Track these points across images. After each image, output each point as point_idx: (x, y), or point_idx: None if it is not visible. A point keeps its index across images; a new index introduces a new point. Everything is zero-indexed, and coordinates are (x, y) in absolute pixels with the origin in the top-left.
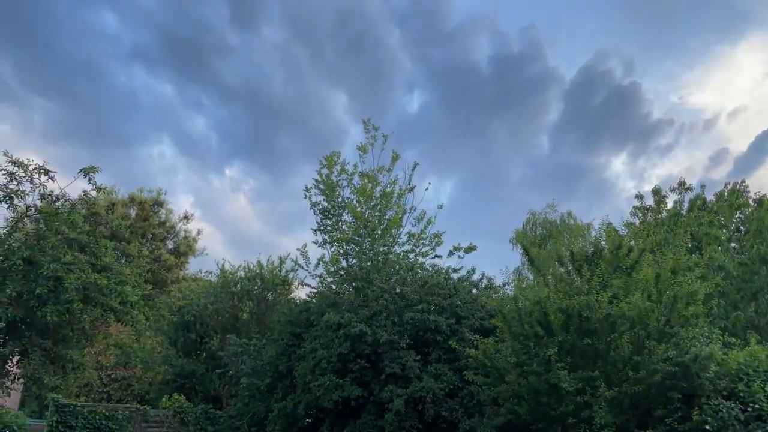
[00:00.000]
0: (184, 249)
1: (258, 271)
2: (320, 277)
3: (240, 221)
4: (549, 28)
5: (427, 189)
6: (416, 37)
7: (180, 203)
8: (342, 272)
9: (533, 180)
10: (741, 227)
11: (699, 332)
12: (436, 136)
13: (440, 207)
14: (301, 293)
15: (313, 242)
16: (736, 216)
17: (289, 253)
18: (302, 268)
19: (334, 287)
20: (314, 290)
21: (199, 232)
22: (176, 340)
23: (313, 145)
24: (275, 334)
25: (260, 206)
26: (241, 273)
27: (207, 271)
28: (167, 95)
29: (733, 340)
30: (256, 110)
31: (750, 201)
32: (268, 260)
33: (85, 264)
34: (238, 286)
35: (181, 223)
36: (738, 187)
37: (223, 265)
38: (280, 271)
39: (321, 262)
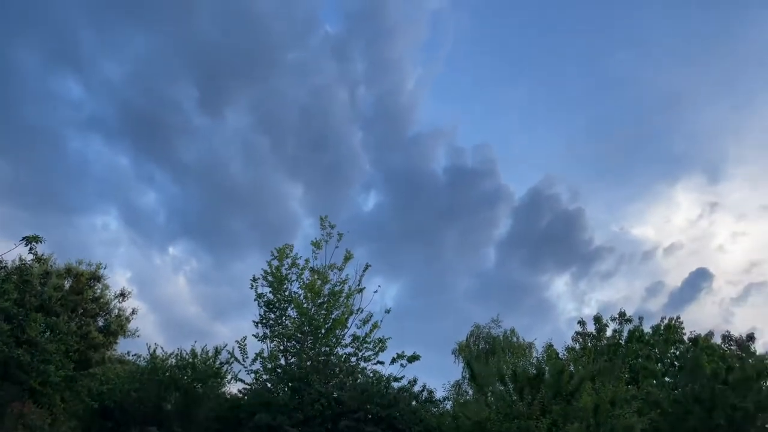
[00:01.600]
0: (115, 328)
1: (190, 359)
2: (256, 373)
3: (177, 303)
4: (503, 147)
5: (376, 291)
6: (377, 140)
7: (117, 278)
8: (279, 370)
9: (479, 292)
10: (675, 362)
11: None
12: (387, 238)
13: (388, 311)
14: (233, 388)
15: (254, 335)
16: (671, 351)
17: (226, 344)
18: (238, 361)
19: (269, 385)
20: (248, 386)
21: (134, 312)
22: (91, 427)
23: (263, 233)
24: (200, 430)
25: (200, 289)
26: (173, 360)
27: (136, 354)
28: (121, 166)
29: None
30: (210, 191)
31: (685, 338)
32: (202, 349)
33: (8, 336)
34: (167, 374)
35: (117, 301)
36: (673, 322)
37: (154, 350)
38: (213, 362)
39: (259, 357)
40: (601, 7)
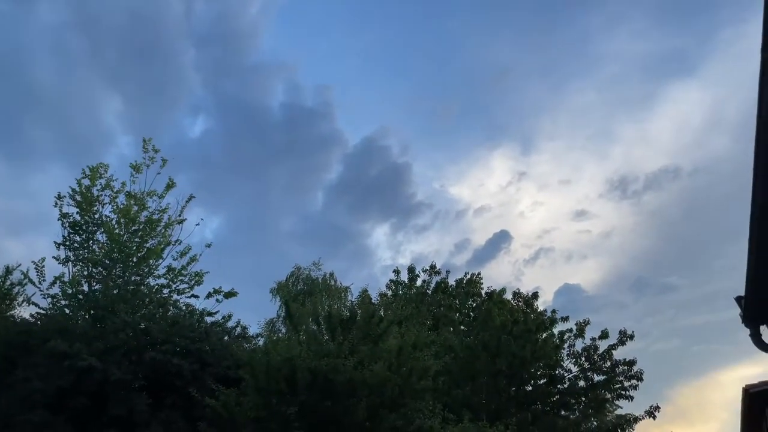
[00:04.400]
0: None
1: None
2: (53, 297)
3: None
4: (342, 92)
5: (198, 224)
6: (212, 62)
7: None
8: (81, 297)
9: (303, 233)
10: (471, 313)
11: (425, 405)
12: (214, 168)
13: (208, 246)
14: (25, 312)
15: (54, 257)
16: (469, 303)
17: (19, 264)
18: (33, 284)
19: (68, 312)
20: (43, 311)
21: None
22: None
23: (71, 145)
24: None
25: None
26: None
27: None
28: None
29: (451, 416)
30: (9, 90)
31: (483, 292)
32: None
33: None
34: None
35: None
36: (474, 277)
37: None
38: (3, 282)
39: (59, 281)
40: None
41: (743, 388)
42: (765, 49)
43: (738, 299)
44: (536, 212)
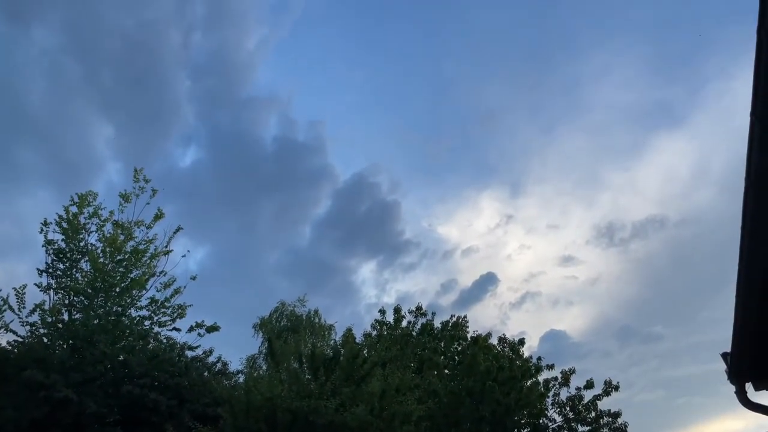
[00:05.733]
0: None
1: None
2: (32, 325)
3: None
4: (335, 128)
5: (184, 256)
6: (207, 93)
7: None
8: (60, 326)
9: (289, 267)
10: (456, 357)
11: None
12: (202, 199)
13: (193, 278)
14: (2, 339)
15: (36, 284)
16: (454, 346)
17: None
18: (12, 310)
19: (46, 341)
20: (20, 339)
21: None
22: None
23: (60, 170)
24: None
25: None
26: None
27: None
28: None
29: None
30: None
31: (468, 336)
32: None
33: None
34: None
35: None
36: (460, 320)
37: None
38: None
39: (39, 309)
40: (442, 9)
41: None
42: (754, 112)
43: (724, 355)
44: (523, 255)
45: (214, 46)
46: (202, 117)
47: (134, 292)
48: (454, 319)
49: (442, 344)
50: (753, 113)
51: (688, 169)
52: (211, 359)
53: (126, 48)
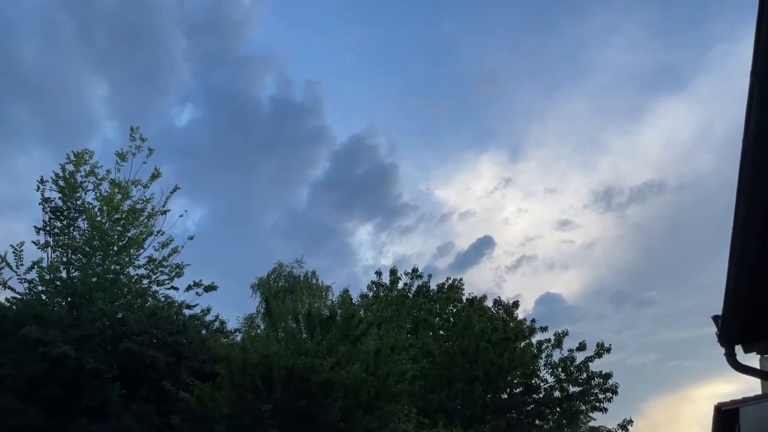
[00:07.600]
0: None
1: None
2: (30, 282)
3: None
4: (333, 88)
5: (182, 216)
6: (203, 51)
7: None
8: (59, 283)
9: (286, 229)
10: (451, 319)
11: (400, 409)
12: (199, 159)
13: (191, 238)
14: (0, 296)
15: (33, 242)
16: (450, 308)
17: None
18: (10, 267)
19: (44, 298)
20: (19, 296)
21: None
22: None
23: (55, 128)
24: None
25: None
26: None
27: None
28: None
29: (426, 420)
30: None
31: (463, 298)
32: None
33: None
34: None
35: None
36: (456, 283)
37: None
38: None
39: (36, 266)
40: None
41: (715, 405)
42: (754, 72)
43: (715, 318)
44: (520, 219)
45: (209, 2)
46: (198, 75)
47: (132, 251)
48: (450, 281)
49: (437, 306)
50: (753, 72)
51: (689, 134)
52: (209, 318)
53: (120, 4)
